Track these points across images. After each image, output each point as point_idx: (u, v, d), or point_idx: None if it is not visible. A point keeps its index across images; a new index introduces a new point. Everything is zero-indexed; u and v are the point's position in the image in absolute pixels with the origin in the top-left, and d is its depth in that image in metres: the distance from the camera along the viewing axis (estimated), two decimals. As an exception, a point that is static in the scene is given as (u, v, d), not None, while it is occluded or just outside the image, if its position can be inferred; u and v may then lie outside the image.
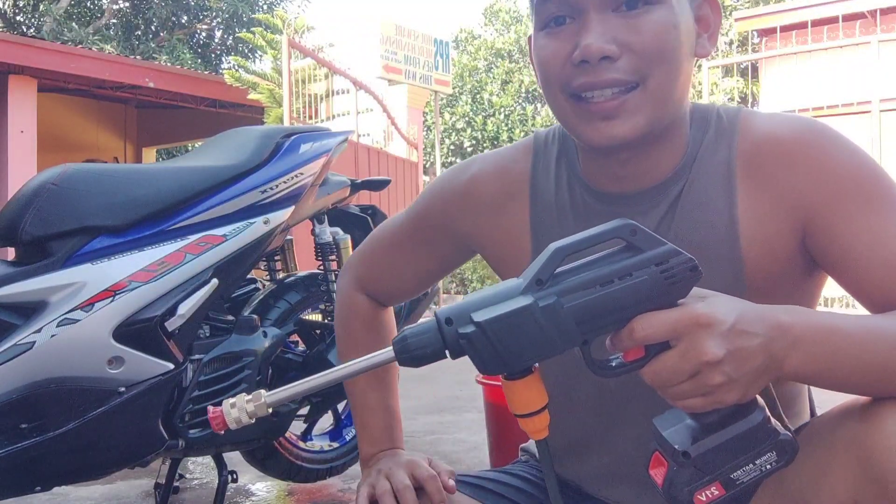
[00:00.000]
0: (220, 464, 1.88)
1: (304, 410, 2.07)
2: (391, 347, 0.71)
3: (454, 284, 13.56)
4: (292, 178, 1.81)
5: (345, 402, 2.33)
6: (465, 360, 0.70)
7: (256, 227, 1.73)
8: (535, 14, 0.87)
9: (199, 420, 1.67)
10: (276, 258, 2.21)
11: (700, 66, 8.27)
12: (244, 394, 0.72)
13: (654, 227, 0.89)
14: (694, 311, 0.67)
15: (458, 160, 14.27)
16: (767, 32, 9.82)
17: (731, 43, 14.55)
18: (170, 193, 1.64)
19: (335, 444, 2.27)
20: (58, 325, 1.46)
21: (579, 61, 0.82)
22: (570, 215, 0.94)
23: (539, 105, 15.13)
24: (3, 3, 13.67)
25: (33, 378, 1.44)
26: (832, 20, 8.47)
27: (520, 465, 1.12)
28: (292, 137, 1.87)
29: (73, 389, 1.48)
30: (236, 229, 1.70)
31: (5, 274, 1.48)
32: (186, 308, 1.60)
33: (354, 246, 2.15)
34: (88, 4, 14.67)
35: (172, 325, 1.59)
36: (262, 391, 0.72)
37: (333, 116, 7.53)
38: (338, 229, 2.13)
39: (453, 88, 12.12)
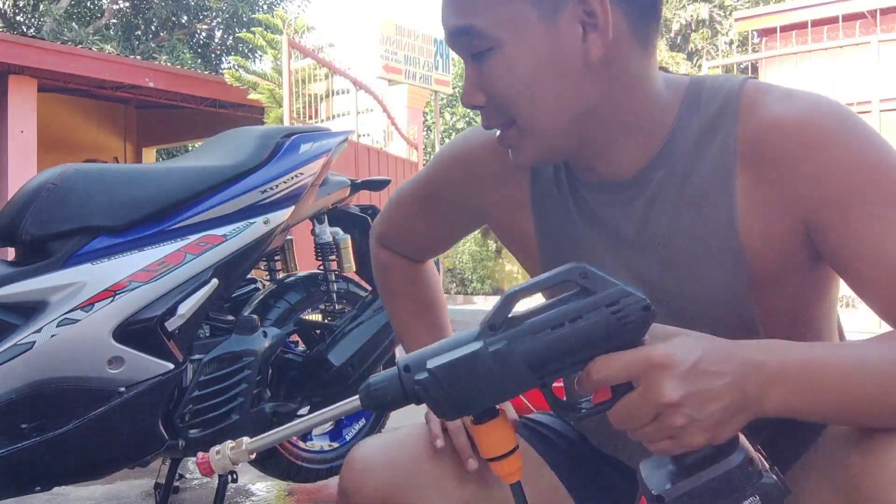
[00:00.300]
0: (220, 464, 1.88)
1: (304, 410, 2.07)
2: (357, 396, 0.72)
3: (454, 284, 13.56)
4: (292, 178, 1.81)
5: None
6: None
7: (256, 227, 1.73)
8: None
9: (199, 420, 1.67)
10: (276, 258, 2.21)
11: (700, 67, 8.27)
12: (229, 441, 0.76)
13: (640, 217, 0.86)
14: (650, 352, 0.66)
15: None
16: (767, 32, 9.83)
17: (731, 43, 14.56)
18: (170, 193, 1.64)
19: (335, 444, 2.27)
20: (58, 325, 1.46)
21: None
22: (568, 193, 0.92)
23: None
24: (3, 3, 13.67)
25: (33, 378, 1.44)
26: (832, 20, 8.48)
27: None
28: (292, 137, 1.87)
29: (73, 389, 1.48)
30: (236, 229, 1.70)
31: (5, 274, 1.48)
32: (186, 308, 1.60)
33: (354, 246, 2.15)
34: (88, 4, 14.67)
35: (172, 325, 1.59)
36: (245, 438, 0.75)
37: (333, 116, 7.54)
38: (338, 229, 2.13)
39: (453, 88, 12.12)
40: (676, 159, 0.84)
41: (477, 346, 0.68)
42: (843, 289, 0.86)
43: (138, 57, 12.06)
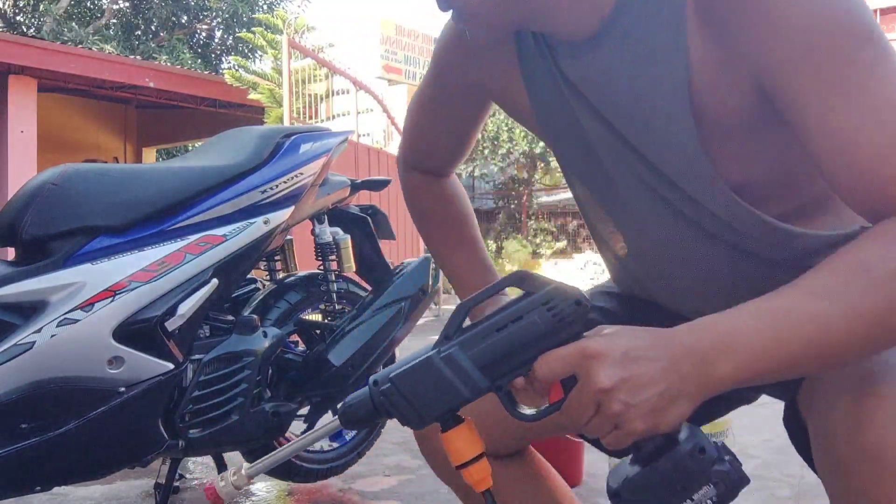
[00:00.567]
0: (220, 464, 1.88)
1: (304, 410, 2.07)
2: (337, 417, 0.77)
3: (454, 284, 13.55)
4: (292, 178, 1.81)
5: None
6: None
7: (256, 227, 1.73)
8: None
9: (199, 420, 1.67)
10: (276, 258, 2.21)
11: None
12: (230, 469, 0.85)
13: (603, 80, 0.84)
14: (584, 344, 0.68)
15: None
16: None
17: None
18: (170, 193, 1.64)
19: (335, 444, 2.27)
20: (58, 325, 1.46)
21: None
22: (549, 57, 0.91)
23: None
24: (3, 3, 13.67)
25: (33, 378, 1.44)
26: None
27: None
28: (292, 137, 1.87)
29: (74, 389, 1.48)
30: (236, 229, 1.70)
31: (5, 274, 1.48)
32: (186, 308, 1.60)
33: (354, 246, 2.15)
34: (88, 4, 14.67)
35: (172, 325, 1.59)
36: (245, 464, 0.84)
37: (333, 116, 7.53)
38: (338, 229, 2.13)
39: (453, 88, 12.11)
40: (629, 19, 0.81)
41: (431, 353, 0.73)
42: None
43: (138, 57, 12.06)
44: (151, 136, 10.98)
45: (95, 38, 12.43)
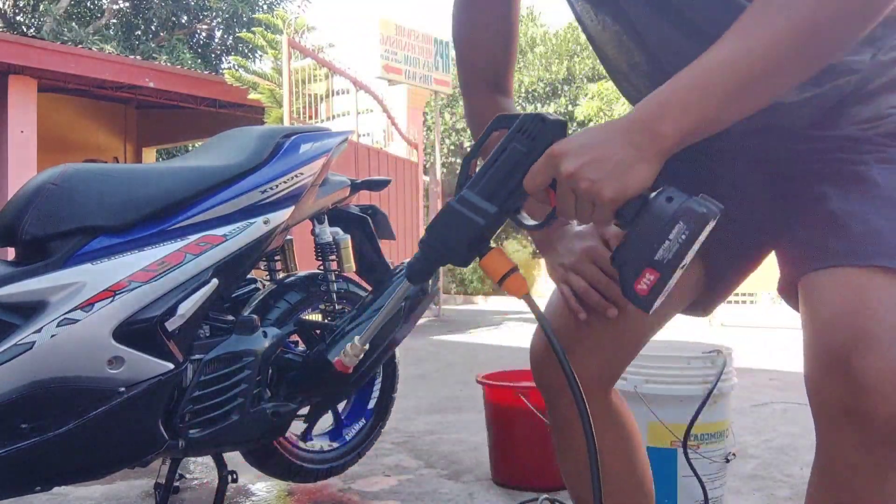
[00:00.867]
0: (220, 464, 1.88)
1: (304, 410, 2.07)
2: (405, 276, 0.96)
3: (454, 284, 13.56)
4: (292, 178, 1.81)
5: (345, 402, 2.34)
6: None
7: (256, 227, 1.73)
8: None
9: (199, 420, 1.67)
10: (276, 258, 2.21)
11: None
12: (347, 344, 1.11)
13: None
14: (550, 150, 0.83)
15: (458, 160, 14.26)
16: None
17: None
18: (170, 193, 1.64)
19: (335, 444, 2.27)
20: (58, 325, 1.46)
21: None
22: None
23: (539, 105, 15.12)
24: (3, 3, 13.67)
25: (33, 378, 1.44)
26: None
27: None
28: (292, 137, 1.87)
29: (74, 389, 1.48)
30: (236, 229, 1.70)
31: (5, 274, 1.48)
32: (186, 308, 1.60)
33: (354, 246, 2.15)
34: (88, 4, 14.67)
35: (172, 325, 1.59)
36: (357, 337, 1.12)
37: (333, 116, 7.53)
38: (338, 229, 2.13)
39: (453, 88, 12.12)
40: None
41: (449, 201, 0.90)
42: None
43: (138, 57, 12.06)
44: (151, 136, 10.97)
45: (95, 38, 12.43)
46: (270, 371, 1.87)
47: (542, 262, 12.85)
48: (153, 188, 1.63)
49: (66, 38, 11.86)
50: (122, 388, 1.52)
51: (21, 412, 1.45)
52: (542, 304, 0.96)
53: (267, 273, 2.22)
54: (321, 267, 2.09)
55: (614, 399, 1.15)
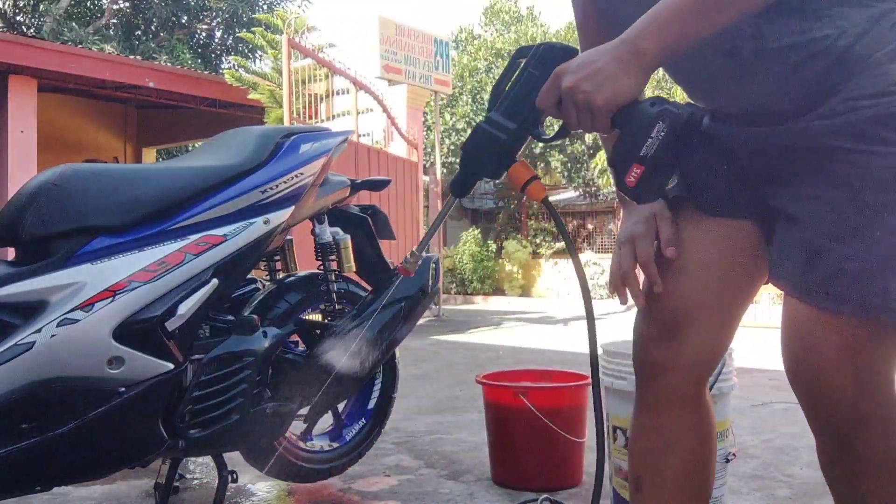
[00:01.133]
0: (220, 464, 1.88)
1: (304, 410, 2.07)
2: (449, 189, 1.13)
3: (454, 284, 13.56)
4: (292, 178, 1.81)
5: (345, 402, 2.34)
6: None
7: (256, 227, 1.73)
8: None
9: (199, 420, 1.67)
10: (276, 258, 2.21)
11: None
12: (409, 252, 1.18)
13: None
14: (554, 71, 0.98)
15: (458, 160, 14.24)
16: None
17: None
18: (170, 193, 1.64)
19: (335, 444, 2.27)
20: (58, 325, 1.46)
21: None
22: None
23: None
24: (3, 3, 13.67)
25: (33, 378, 1.44)
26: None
27: None
28: (292, 137, 1.87)
29: (74, 389, 1.48)
30: (236, 229, 1.70)
31: (5, 274, 1.48)
32: (186, 308, 1.60)
33: (354, 246, 2.15)
34: (88, 4, 14.68)
35: (172, 325, 1.59)
36: (414, 247, 1.18)
37: (333, 116, 7.53)
38: (338, 229, 2.13)
39: (453, 89, 12.10)
40: None
41: (479, 121, 1.06)
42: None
43: (138, 57, 12.05)
44: (151, 136, 10.97)
45: (95, 38, 12.43)
46: (270, 371, 1.87)
47: (542, 262, 12.84)
48: (153, 188, 1.63)
49: (66, 38, 11.86)
50: (122, 388, 1.52)
51: (21, 412, 1.45)
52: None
53: (267, 273, 2.22)
54: (321, 267, 2.09)
55: (707, 399, 1.17)
